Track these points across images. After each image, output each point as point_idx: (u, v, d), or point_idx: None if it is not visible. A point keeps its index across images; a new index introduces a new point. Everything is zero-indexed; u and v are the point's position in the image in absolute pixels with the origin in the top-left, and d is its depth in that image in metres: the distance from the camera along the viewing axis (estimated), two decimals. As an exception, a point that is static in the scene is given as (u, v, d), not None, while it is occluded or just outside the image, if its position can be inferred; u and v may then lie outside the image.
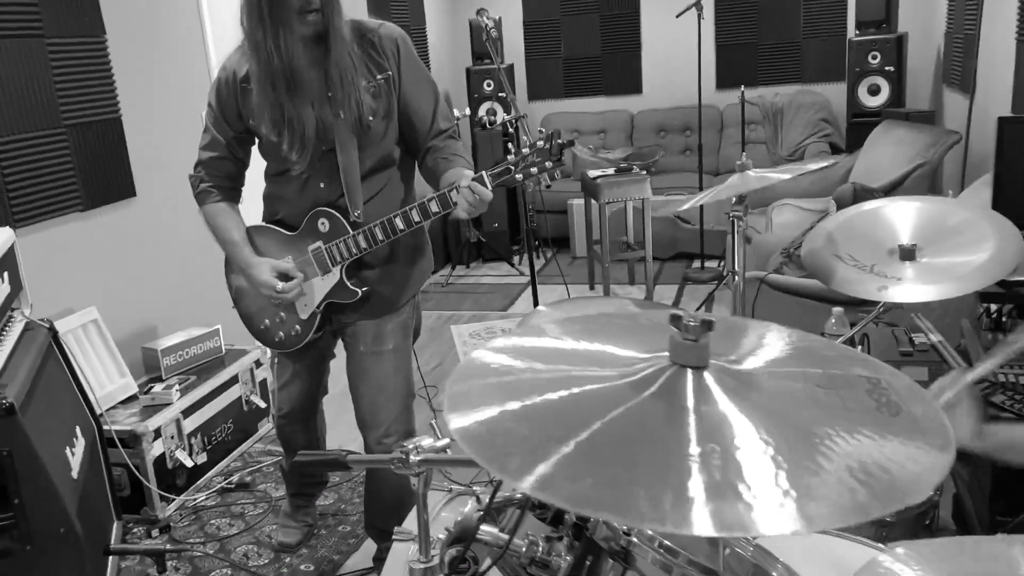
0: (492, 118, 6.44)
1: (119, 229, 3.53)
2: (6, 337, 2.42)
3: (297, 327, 2.37)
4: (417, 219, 2.14)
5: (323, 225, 2.25)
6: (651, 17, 6.88)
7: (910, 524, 1.80)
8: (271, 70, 2.08)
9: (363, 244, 2.21)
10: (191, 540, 2.98)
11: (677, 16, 5.35)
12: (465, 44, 6.70)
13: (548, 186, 2.07)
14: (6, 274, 2.50)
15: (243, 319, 2.48)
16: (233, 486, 3.34)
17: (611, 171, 5.13)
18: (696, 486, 0.74)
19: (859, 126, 5.71)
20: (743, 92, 5.44)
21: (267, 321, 2.41)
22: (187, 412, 3.29)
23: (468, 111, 6.33)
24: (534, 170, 2.03)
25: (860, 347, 2.28)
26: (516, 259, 6.35)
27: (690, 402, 0.86)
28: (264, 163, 2.34)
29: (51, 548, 2.18)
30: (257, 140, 2.30)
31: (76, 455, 2.53)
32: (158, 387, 3.30)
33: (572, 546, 1.11)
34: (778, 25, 6.66)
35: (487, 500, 1.11)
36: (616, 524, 1.06)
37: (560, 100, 7.23)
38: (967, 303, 2.49)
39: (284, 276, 2.27)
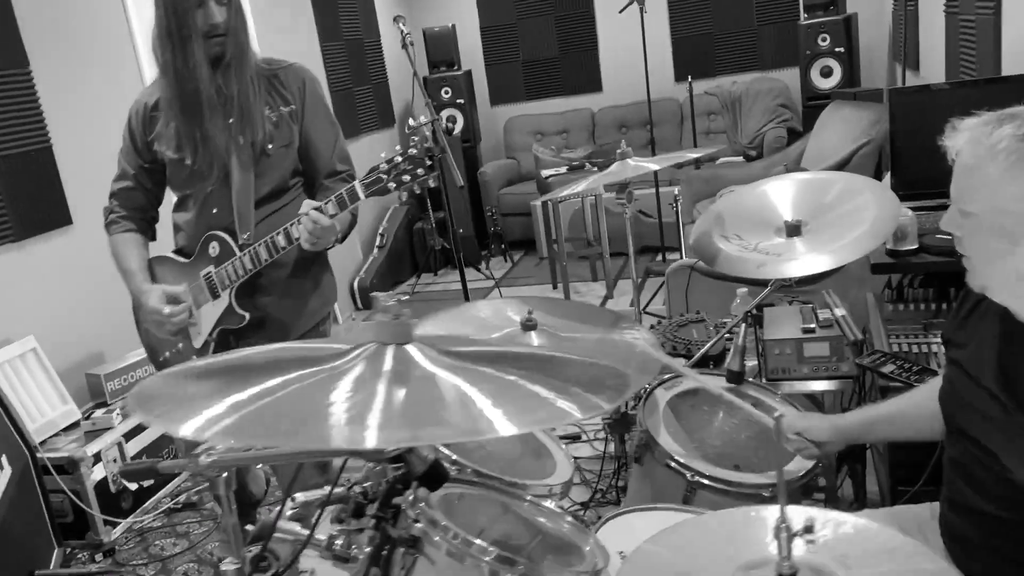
0: (451, 125, 6.45)
1: (56, 257, 3.55)
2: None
3: (193, 357, 2.34)
4: (282, 244, 2.10)
5: (213, 249, 2.24)
6: (605, 15, 6.89)
7: (794, 494, 1.80)
8: (178, 91, 2.11)
9: (248, 265, 2.18)
10: (133, 562, 2.99)
11: (620, 11, 5.37)
12: (421, 54, 6.71)
13: (419, 190, 2.03)
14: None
15: (147, 352, 2.46)
16: (180, 506, 3.35)
17: (563, 169, 5.13)
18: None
19: (814, 108, 5.70)
20: (691, 83, 5.44)
21: (167, 353, 2.39)
22: (130, 435, 3.30)
23: (424, 118, 6.32)
24: (407, 178, 2.00)
25: (753, 326, 2.28)
26: (483, 264, 6.35)
27: (388, 367, 0.87)
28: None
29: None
30: (166, 169, 2.30)
31: (1, 480, 2.54)
32: (100, 412, 3.31)
33: (372, 538, 1.12)
34: (732, 13, 6.66)
35: (280, 504, 1.11)
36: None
37: (522, 103, 7.24)
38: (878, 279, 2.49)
39: (174, 300, 2.25)
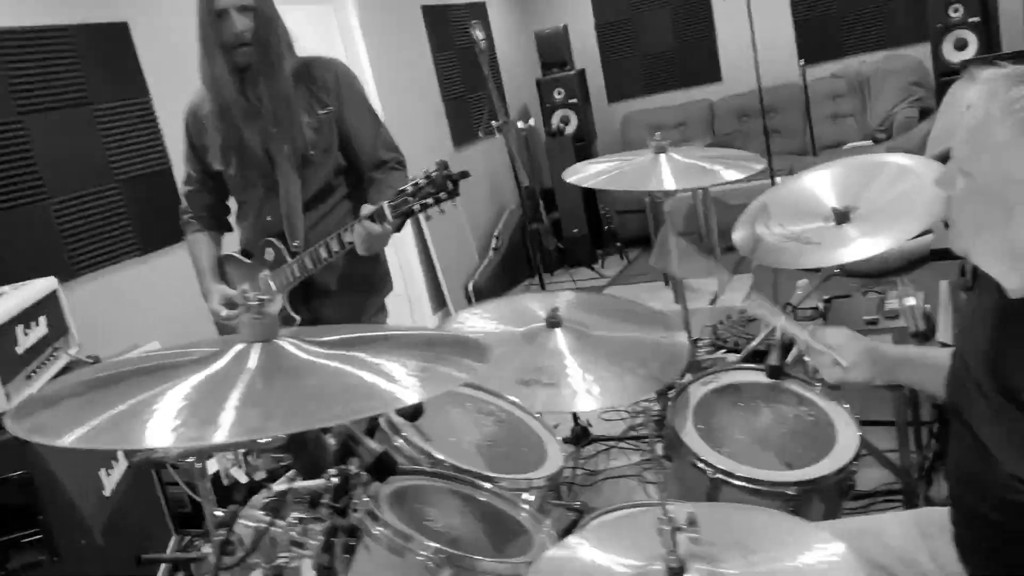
0: (563, 125, 6.47)
1: (177, 269, 3.85)
2: (42, 374, 2.73)
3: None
4: (336, 248, 2.18)
5: (269, 254, 2.37)
6: (722, 3, 6.69)
7: (830, 493, 1.71)
8: (213, 102, 2.25)
9: (298, 272, 2.29)
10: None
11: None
12: (534, 55, 6.78)
13: (443, 211, 2.05)
14: (43, 318, 2.81)
15: None
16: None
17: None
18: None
19: (949, 85, 5.31)
20: (803, 67, 5.20)
21: None
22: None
23: (532, 121, 6.39)
24: (430, 200, 2.02)
25: (821, 319, 2.17)
26: (599, 263, 6.34)
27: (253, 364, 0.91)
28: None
29: (74, 559, 2.44)
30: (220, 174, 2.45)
31: (112, 476, 2.80)
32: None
33: (325, 527, 1.17)
34: (857, -10, 6.31)
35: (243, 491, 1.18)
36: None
37: (640, 98, 7.16)
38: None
39: (231, 304, 2.41)
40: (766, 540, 0.90)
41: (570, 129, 6.49)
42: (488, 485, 1.35)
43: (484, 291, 5.94)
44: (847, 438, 1.75)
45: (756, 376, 1.93)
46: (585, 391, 1.62)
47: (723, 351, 2.50)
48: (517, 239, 6.43)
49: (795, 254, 1.91)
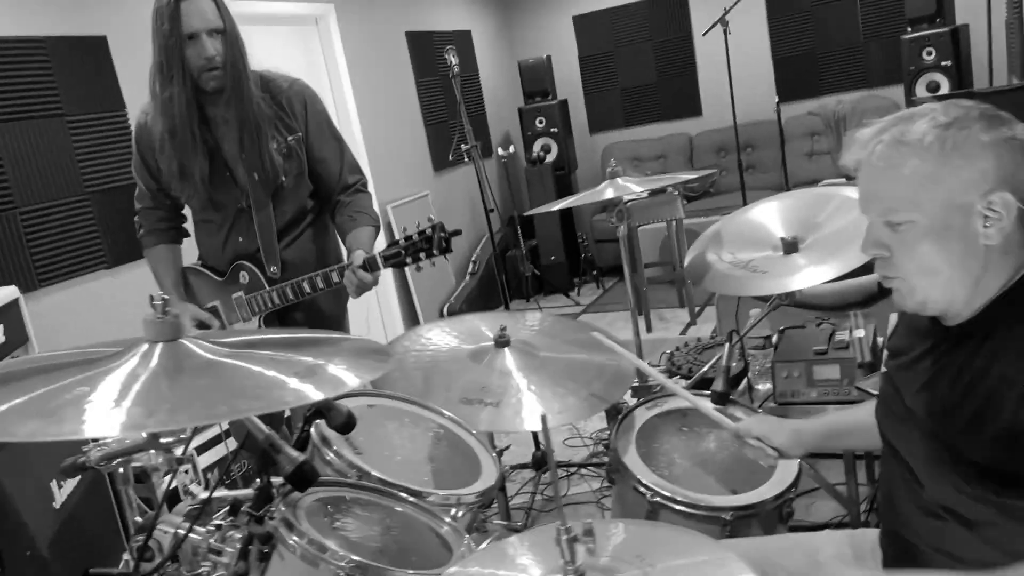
0: (544, 154, 6.52)
1: (147, 282, 3.84)
2: (-3, 381, 2.71)
3: None
4: (322, 286, 2.22)
5: (243, 277, 2.39)
6: (704, 39, 6.78)
7: (769, 518, 1.72)
8: (175, 127, 2.21)
9: (276, 300, 2.33)
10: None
11: (703, 34, 5.30)
12: (517, 84, 6.86)
13: (433, 264, 2.09)
14: (1, 327, 2.80)
15: None
16: (247, 517, 3.52)
17: (645, 194, 5.08)
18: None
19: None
20: (778, 105, 5.28)
21: None
22: (202, 448, 3.52)
23: (512, 148, 6.45)
24: (423, 255, 2.06)
25: (772, 349, 2.19)
26: (575, 291, 6.37)
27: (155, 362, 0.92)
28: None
29: (18, 571, 2.41)
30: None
31: (64, 487, 2.77)
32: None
33: (243, 535, 1.17)
34: (836, 30, 6.43)
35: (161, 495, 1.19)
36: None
37: (621, 130, 7.24)
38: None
39: (202, 324, 2.41)
40: (666, 554, 0.91)
41: (550, 158, 6.55)
42: (412, 499, 1.35)
43: (458, 315, 5.95)
44: (787, 465, 1.77)
45: (703, 403, 1.94)
46: (528, 411, 1.63)
47: (676, 377, 2.51)
48: (495, 264, 6.45)
49: (742, 282, 1.94)
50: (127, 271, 3.79)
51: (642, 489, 1.71)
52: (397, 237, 2.12)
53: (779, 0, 6.51)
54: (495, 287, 6.47)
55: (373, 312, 5.41)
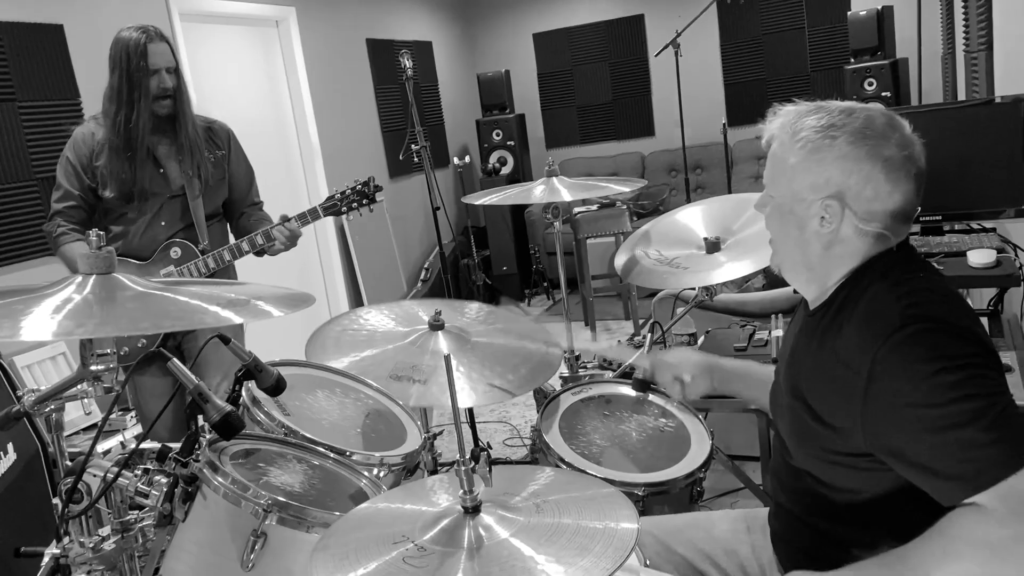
0: (499, 165, 6.64)
1: (93, 271, 3.86)
2: (-67, 361, 2.71)
3: (143, 339, 2.67)
4: (245, 249, 2.69)
5: (175, 252, 2.70)
6: (659, 62, 6.98)
7: (681, 496, 1.82)
8: (125, 142, 2.58)
9: (212, 264, 2.67)
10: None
11: (655, 55, 5.46)
12: (475, 96, 6.97)
13: (370, 211, 2.81)
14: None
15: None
16: (185, 508, 3.53)
17: (595, 207, 5.22)
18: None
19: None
20: (725, 127, 5.46)
21: (126, 348, 2.70)
22: (141, 438, 3.53)
23: (468, 159, 6.55)
24: (354, 204, 2.74)
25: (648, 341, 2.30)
26: (526, 302, 6.46)
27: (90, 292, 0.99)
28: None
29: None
30: (104, 191, 2.67)
31: (3, 461, 2.78)
32: (116, 414, 3.56)
33: (170, 480, 1.23)
34: (785, 59, 6.67)
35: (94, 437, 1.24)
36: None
37: (576, 147, 7.39)
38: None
39: None
40: (558, 491, 0.99)
41: (506, 170, 6.66)
42: (333, 456, 1.42)
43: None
44: (699, 447, 1.87)
45: (625, 389, 2.04)
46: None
47: (605, 371, 2.62)
48: (447, 271, 6.53)
49: (665, 276, 2.05)
50: (74, 259, 3.79)
51: (562, 466, 1.80)
52: (333, 191, 2.77)
53: (732, 27, 6.73)
54: (446, 293, 6.55)
55: (324, 318, 5.44)
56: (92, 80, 3.89)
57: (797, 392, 1.30)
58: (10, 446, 2.93)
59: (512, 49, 7.41)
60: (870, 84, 5.66)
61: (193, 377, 1.22)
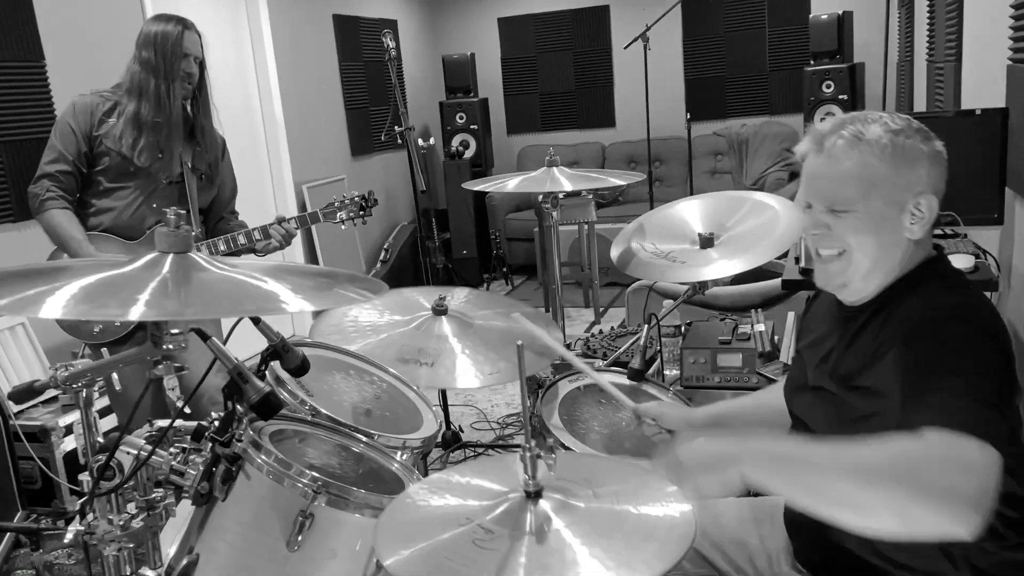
0: (463, 149, 6.63)
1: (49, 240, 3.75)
2: None
3: (117, 322, 2.65)
4: (242, 242, 2.71)
5: None
6: (622, 53, 7.05)
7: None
8: (153, 110, 2.59)
9: (205, 253, 2.51)
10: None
11: (625, 47, 5.52)
12: (439, 78, 6.94)
13: (364, 223, 2.85)
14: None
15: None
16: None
17: (561, 195, 5.26)
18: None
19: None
20: (689, 123, 5.56)
21: (99, 327, 2.66)
22: (104, 412, 3.45)
23: (432, 140, 6.54)
24: (352, 212, 2.79)
25: (680, 338, 2.37)
26: (485, 286, 6.49)
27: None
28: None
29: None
30: (99, 162, 2.64)
31: (-35, 438, 2.70)
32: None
33: (205, 457, 1.24)
34: (745, 58, 6.80)
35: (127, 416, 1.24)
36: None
37: (537, 133, 7.42)
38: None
39: None
40: (611, 480, 1.03)
41: (469, 154, 6.66)
42: (364, 439, 1.43)
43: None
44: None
45: (619, 378, 2.09)
46: (462, 371, 1.73)
47: (596, 362, 2.67)
48: (406, 253, 6.51)
49: (662, 269, 2.10)
50: (34, 225, 3.67)
51: (563, 450, 1.84)
52: (333, 199, 2.82)
53: (695, 23, 6.83)
54: (406, 276, 6.54)
55: (282, 291, 5.38)
56: (59, 45, 3.77)
57: (847, 381, 1.34)
58: (-23, 417, 2.85)
59: (476, 32, 7.39)
60: (828, 87, 5.83)
61: (232, 356, 1.22)
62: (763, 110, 6.77)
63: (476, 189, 2.52)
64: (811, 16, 6.03)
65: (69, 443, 3.28)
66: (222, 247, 2.70)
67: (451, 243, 6.62)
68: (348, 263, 5.95)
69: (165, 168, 2.66)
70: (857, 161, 1.31)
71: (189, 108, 2.71)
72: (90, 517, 1.28)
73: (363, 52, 6.32)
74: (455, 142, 6.70)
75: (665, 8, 6.34)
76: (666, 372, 2.44)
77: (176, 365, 1.18)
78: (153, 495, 1.31)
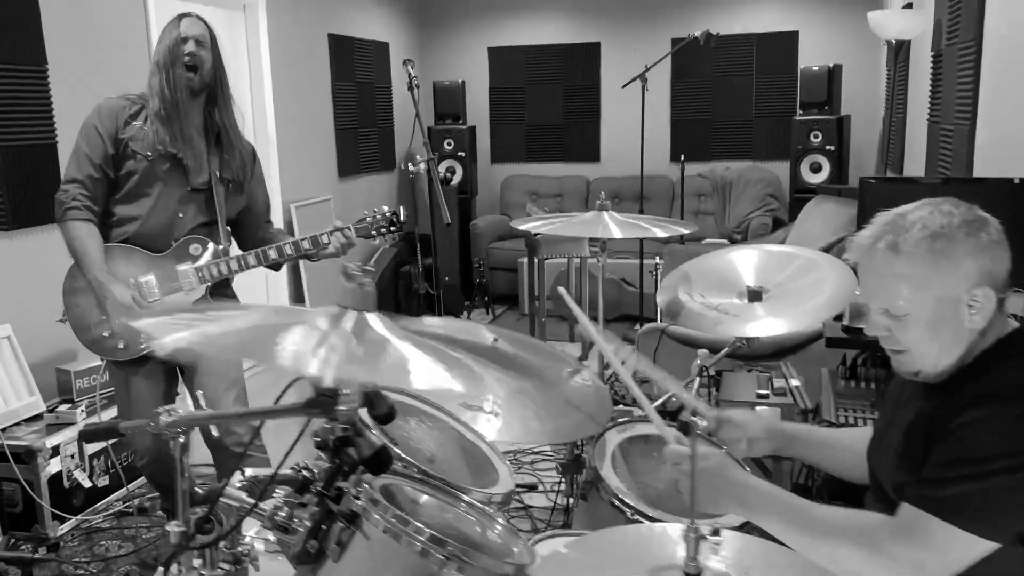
0: (450, 175, 6.59)
1: (44, 252, 3.60)
2: None
3: (120, 342, 2.57)
4: (289, 252, 2.60)
5: (195, 249, 2.60)
6: (610, 89, 7.12)
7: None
8: (164, 102, 2.52)
9: (235, 267, 2.60)
10: (76, 559, 2.97)
11: (623, 87, 5.56)
12: (428, 105, 6.91)
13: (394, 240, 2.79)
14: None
15: (79, 329, 2.64)
16: (132, 510, 3.34)
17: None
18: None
19: (801, 201, 5.87)
20: (683, 163, 5.62)
21: (108, 330, 2.57)
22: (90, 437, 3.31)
23: (423, 165, 6.48)
24: (383, 229, 2.71)
25: (713, 389, 2.36)
26: (465, 315, 6.43)
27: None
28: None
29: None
30: (124, 166, 2.56)
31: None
32: (64, 407, 3.33)
33: (314, 513, 1.17)
34: (731, 103, 6.91)
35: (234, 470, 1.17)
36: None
37: (521, 164, 7.43)
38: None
39: (140, 300, 2.55)
40: (768, 568, 0.99)
41: (455, 180, 6.62)
42: (466, 497, 1.37)
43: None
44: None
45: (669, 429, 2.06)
46: (527, 425, 1.69)
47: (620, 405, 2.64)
48: (388, 277, 6.43)
49: (713, 322, 2.08)
50: (26, 235, 3.54)
51: (620, 505, 1.80)
52: (365, 215, 2.72)
53: (684, 66, 6.92)
54: (386, 300, 6.45)
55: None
56: (62, 50, 3.65)
57: (907, 452, 1.35)
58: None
59: (466, 60, 7.39)
60: (815, 136, 5.95)
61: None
62: (746, 155, 6.88)
63: (522, 228, 2.48)
64: (801, 67, 6.16)
65: (54, 465, 3.13)
66: (272, 255, 2.61)
67: (433, 270, 6.55)
68: (329, 285, 5.85)
69: (194, 163, 2.57)
70: (901, 270, 1.34)
71: (216, 114, 2.62)
72: (174, 569, 1.20)
73: (355, 73, 6.27)
74: (442, 168, 6.66)
75: (654, 47, 6.43)
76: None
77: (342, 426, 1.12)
78: (239, 548, 1.24)
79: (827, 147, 5.90)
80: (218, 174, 2.62)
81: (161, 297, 2.56)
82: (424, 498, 1.35)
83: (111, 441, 3.32)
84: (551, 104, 7.33)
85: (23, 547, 3.06)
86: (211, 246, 2.60)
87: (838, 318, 2.34)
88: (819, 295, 2.09)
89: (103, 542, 3.12)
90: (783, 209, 6.41)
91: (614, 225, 2.37)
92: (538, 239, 5.12)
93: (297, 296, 5.54)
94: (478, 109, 7.32)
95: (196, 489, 1.17)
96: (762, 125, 6.86)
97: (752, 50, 6.79)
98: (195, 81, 2.54)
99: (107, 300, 2.50)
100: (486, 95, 7.42)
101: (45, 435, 3.17)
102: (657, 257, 5.43)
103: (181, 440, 1.18)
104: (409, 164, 6.50)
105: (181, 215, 2.59)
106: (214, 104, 2.61)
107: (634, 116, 6.79)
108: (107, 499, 3.38)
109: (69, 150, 3.62)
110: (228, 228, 2.70)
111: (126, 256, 2.58)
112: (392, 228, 2.73)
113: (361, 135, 6.36)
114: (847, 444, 1.67)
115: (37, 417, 3.32)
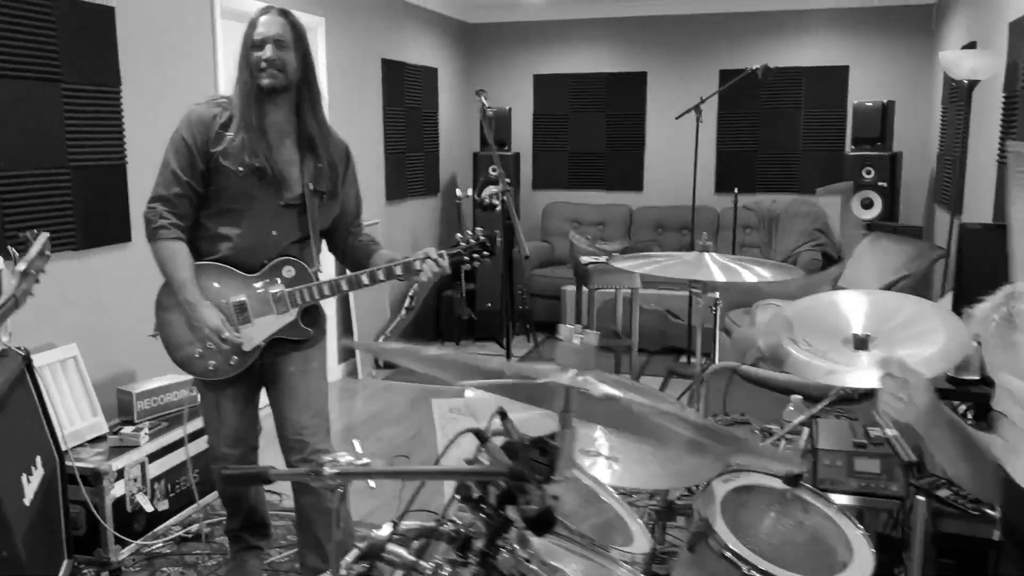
0: (494, 201, 6.58)
1: (110, 272, 3.61)
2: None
3: (235, 357, 2.52)
4: (381, 278, 2.47)
5: (288, 272, 2.52)
6: (655, 119, 7.11)
7: None
8: (243, 106, 2.42)
9: (327, 292, 2.51)
10: (139, 585, 2.94)
11: (677, 118, 5.55)
12: (475, 130, 6.93)
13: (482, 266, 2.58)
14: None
15: (170, 347, 2.57)
16: (191, 536, 3.31)
17: (603, 259, 5.22)
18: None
19: (851, 237, 5.83)
20: (736, 195, 5.58)
21: (200, 350, 2.51)
22: (154, 456, 3.29)
23: (471, 191, 6.50)
24: (476, 255, 2.50)
25: (807, 438, 2.30)
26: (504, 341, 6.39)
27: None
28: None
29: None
30: (215, 181, 2.48)
31: (32, 483, 2.53)
32: (128, 429, 3.31)
33: (477, 573, 1.13)
34: (778, 135, 6.88)
35: (397, 520, 1.13)
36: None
37: (563, 191, 7.41)
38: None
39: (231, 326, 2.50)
40: None
41: (487, 196, 6.61)
42: (614, 554, 1.33)
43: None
44: (862, 557, 1.84)
45: (771, 481, 2.01)
46: (648, 470, 1.64)
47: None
48: (430, 302, 6.42)
49: (822, 370, 2.03)
50: (95, 256, 3.54)
51: (734, 559, 1.75)
52: (458, 240, 2.53)
53: (732, 97, 6.88)
54: (429, 325, 6.43)
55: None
56: (136, 70, 3.68)
57: None
58: (38, 459, 2.68)
59: (511, 86, 7.40)
60: (868, 172, 5.89)
61: (507, 459, 1.12)
62: (792, 188, 6.83)
63: (620, 266, 2.46)
64: (855, 102, 6.12)
65: (119, 488, 3.11)
66: (365, 280, 2.46)
67: (475, 295, 6.53)
68: (374, 308, 5.84)
69: (284, 177, 2.45)
70: (1015, 340, 1.35)
71: (305, 118, 2.45)
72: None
73: (405, 98, 6.29)
74: (486, 193, 6.66)
75: (702, 79, 6.42)
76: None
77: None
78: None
79: (879, 183, 5.84)
80: (311, 187, 2.49)
81: (253, 320, 2.50)
82: (569, 557, 1.31)
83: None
84: (594, 132, 7.32)
85: (85, 572, 3.03)
86: (303, 268, 2.52)
87: (942, 369, 2.28)
88: (930, 346, 2.03)
89: (164, 568, 3.09)
90: (831, 245, 6.34)
91: (715, 267, 2.33)
92: (589, 268, 5.09)
93: (345, 325, 5.52)
94: (521, 135, 7.32)
95: (357, 544, 1.13)
96: (808, 159, 6.82)
97: (800, 83, 6.76)
98: (279, 80, 2.38)
99: (197, 323, 2.46)
100: (530, 122, 7.42)
101: (109, 457, 3.15)
102: (716, 292, 5.37)
103: (340, 491, 1.15)
104: (457, 190, 6.54)
105: (274, 232, 2.49)
106: (301, 107, 2.46)
107: (678, 146, 6.79)
108: (165, 523, 3.35)
109: (138, 171, 3.67)
110: (322, 241, 2.63)
111: (218, 275, 2.52)
112: (486, 254, 2.50)
113: (409, 160, 6.37)
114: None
115: (100, 439, 3.30)
